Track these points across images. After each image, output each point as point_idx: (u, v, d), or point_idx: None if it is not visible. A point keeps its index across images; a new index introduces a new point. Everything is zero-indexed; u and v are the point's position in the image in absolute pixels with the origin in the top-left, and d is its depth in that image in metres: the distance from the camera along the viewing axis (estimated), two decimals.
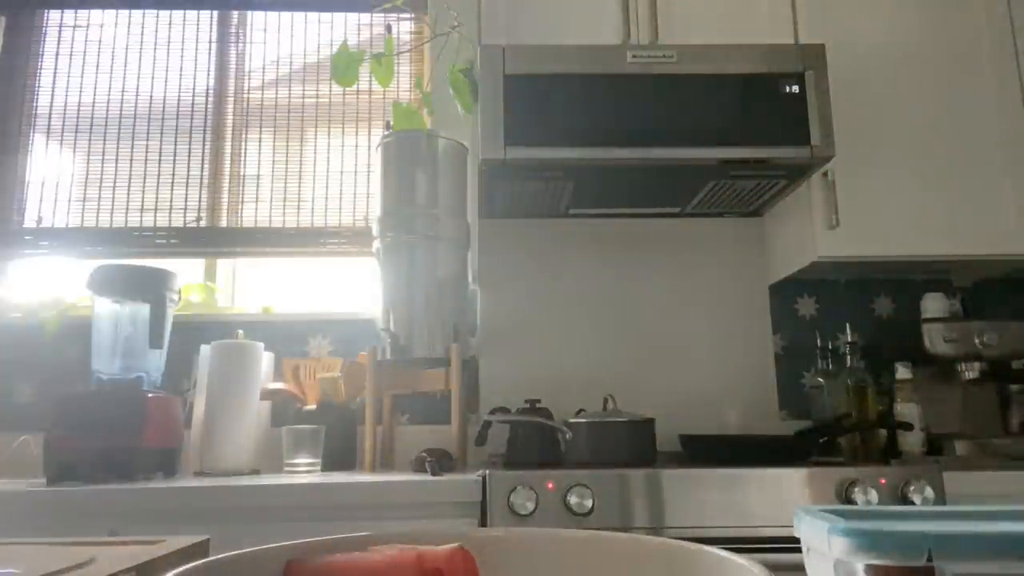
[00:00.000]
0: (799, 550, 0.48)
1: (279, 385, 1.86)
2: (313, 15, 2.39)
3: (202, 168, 2.26)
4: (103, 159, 2.26)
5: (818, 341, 2.00)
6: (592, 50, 1.73)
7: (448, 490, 1.36)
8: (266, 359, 1.83)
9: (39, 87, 2.29)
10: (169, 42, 2.34)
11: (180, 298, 1.76)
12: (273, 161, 2.29)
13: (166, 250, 2.20)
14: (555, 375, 2.04)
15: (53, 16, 2.34)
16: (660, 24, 1.89)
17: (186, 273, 2.09)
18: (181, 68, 2.32)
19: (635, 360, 2.07)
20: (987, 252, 1.85)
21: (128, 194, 2.23)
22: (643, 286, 2.12)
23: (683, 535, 1.32)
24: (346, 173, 2.27)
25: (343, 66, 1.92)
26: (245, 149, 2.29)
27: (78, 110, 2.28)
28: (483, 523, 1.37)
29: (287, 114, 2.31)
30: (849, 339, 1.86)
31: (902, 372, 1.83)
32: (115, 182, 2.24)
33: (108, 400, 1.52)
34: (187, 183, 2.25)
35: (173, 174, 2.25)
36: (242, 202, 2.25)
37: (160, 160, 2.26)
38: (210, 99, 2.31)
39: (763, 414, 2.05)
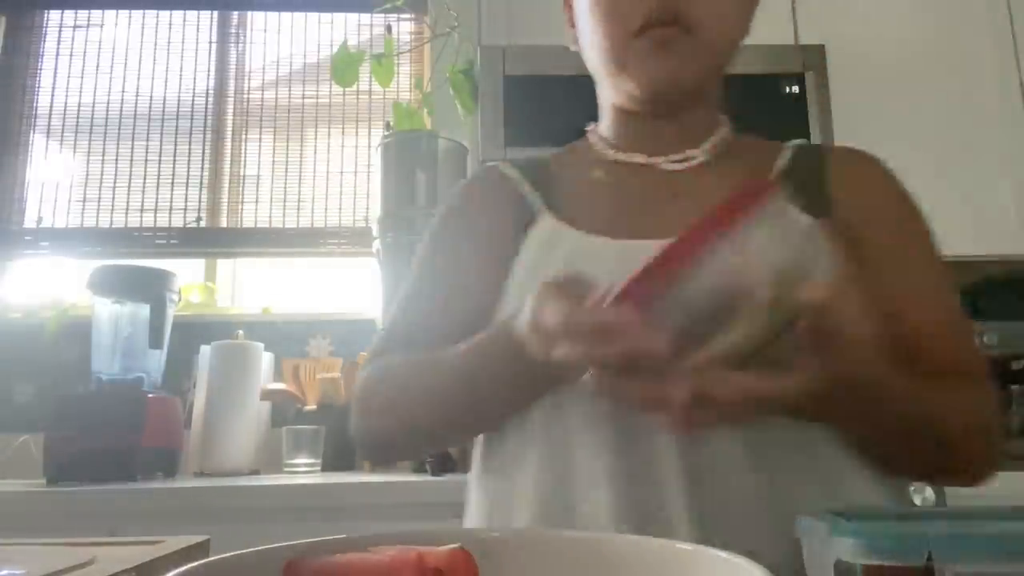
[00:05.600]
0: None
1: (279, 385, 1.86)
2: (313, 15, 2.38)
3: (202, 168, 2.26)
4: (103, 159, 2.25)
5: None
6: None
7: (448, 490, 1.36)
8: (266, 359, 1.83)
9: (39, 87, 2.29)
10: (169, 42, 2.34)
11: (180, 298, 1.76)
12: (273, 161, 2.29)
13: (166, 250, 2.20)
14: None
15: (53, 16, 2.34)
16: None
17: (186, 273, 2.09)
18: (181, 68, 2.32)
19: None
20: (987, 252, 1.85)
21: (128, 194, 2.23)
22: None
23: None
24: (346, 173, 2.27)
25: (343, 66, 1.92)
26: (245, 149, 2.29)
27: (78, 110, 2.28)
28: None
29: (287, 114, 2.31)
30: None
31: None
32: (115, 182, 2.24)
33: (108, 400, 1.52)
34: (187, 183, 2.25)
35: (173, 174, 2.25)
36: (242, 202, 2.25)
37: (160, 160, 2.25)
38: (210, 99, 2.31)
39: None
